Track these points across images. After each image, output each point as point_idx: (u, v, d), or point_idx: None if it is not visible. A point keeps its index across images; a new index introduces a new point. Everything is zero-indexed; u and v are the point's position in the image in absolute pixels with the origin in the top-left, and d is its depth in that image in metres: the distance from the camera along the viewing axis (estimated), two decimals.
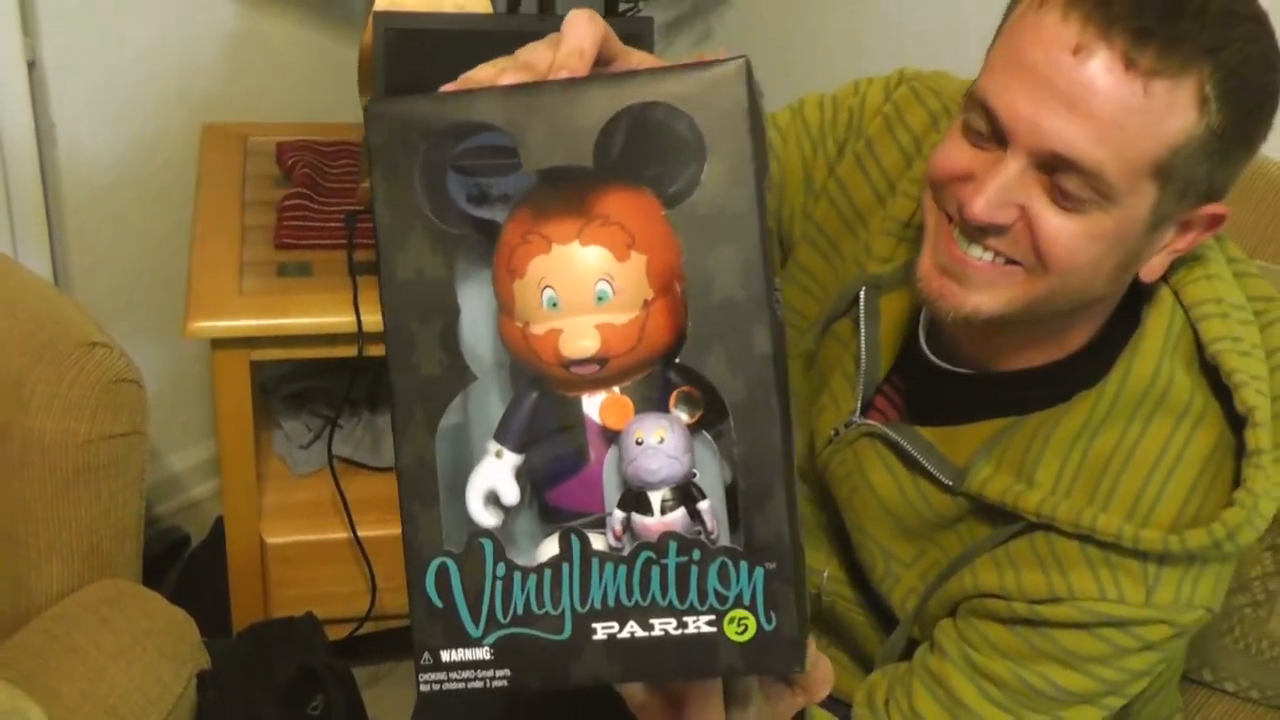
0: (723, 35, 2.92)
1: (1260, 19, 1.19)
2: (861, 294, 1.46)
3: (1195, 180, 1.19)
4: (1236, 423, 1.30)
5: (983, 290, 1.27)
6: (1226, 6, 1.16)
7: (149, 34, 2.67)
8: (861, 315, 1.46)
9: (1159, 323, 1.32)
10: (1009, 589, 1.35)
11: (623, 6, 2.85)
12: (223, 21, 2.75)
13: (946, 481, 1.38)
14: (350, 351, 2.22)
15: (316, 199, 2.43)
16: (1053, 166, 1.18)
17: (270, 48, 2.83)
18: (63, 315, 1.97)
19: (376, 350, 2.24)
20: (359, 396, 2.61)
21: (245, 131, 2.68)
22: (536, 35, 2.09)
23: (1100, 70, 1.14)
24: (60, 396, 1.89)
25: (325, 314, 2.21)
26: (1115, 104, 1.15)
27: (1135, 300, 1.35)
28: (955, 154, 1.26)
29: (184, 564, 2.71)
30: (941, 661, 1.42)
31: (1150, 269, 1.26)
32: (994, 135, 1.21)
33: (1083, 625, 1.32)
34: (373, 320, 2.18)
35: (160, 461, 2.96)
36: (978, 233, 1.24)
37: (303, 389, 2.63)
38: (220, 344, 2.20)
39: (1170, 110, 1.14)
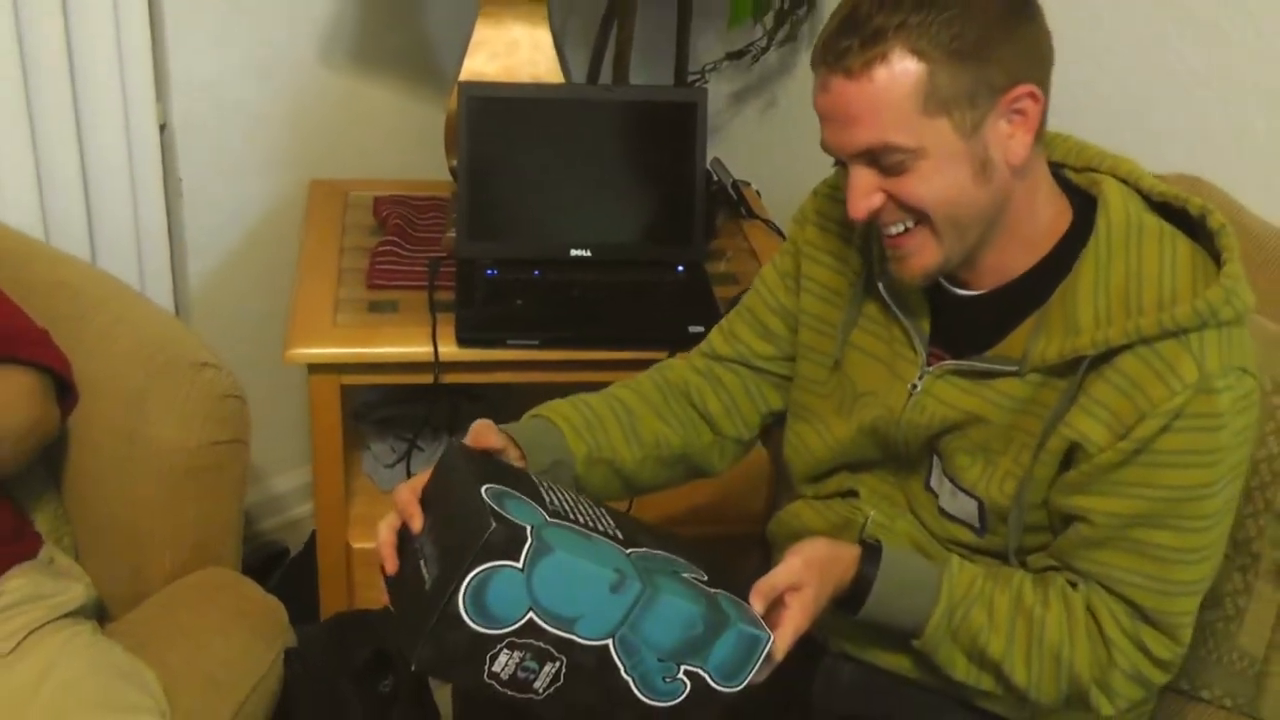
0: (786, 104, 2.96)
1: None
2: (881, 289, 1.65)
3: (970, 92, 1.41)
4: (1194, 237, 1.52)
5: (916, 254, 1.50)
6: None
7: (264, 101, 2.79)
8: (890, 300, 1.64)
9: (1112, 189, 1.52)
10: (1104, 435, 1.46)
11: (690, 76, 2.92)
12: (330, 90, 2.85)
13: (1013, 369, 1.53)
14: (427, 378, 2.28)
15: (406, 246, 2.49)
16: (870, 157, 1.44)
17: (371, 113, 2.91)
18: (180, 340, 2.10)
19: (451, 377, 2.32)
20: (438, 422, 2.63)
21: (347, 187, 2.77)
22: (603, 104, 2.35)
23: (838, 88, 1.42)
24: (175, 408, 2.01)
25: (407, 345, 2.27)
26: (860, 100, 1.41)
27: (1085, 207, 1.55)
28: (840, 188, 1.55)
29: (283, 571, 2.79)
30: (1096, 547, 1.51)
31: (1013, 155, 1.46)
32: (840, 163, 1.50)
33: (1171, 428, 1.43)
34: (448, 351, 2.27)
35: (264, 483, 3.04)
36: (878, 222, 1.49)
37: (388, 415, 2.66)
38: (316, 369, 2.28)
39: (896, 76, 1.39)
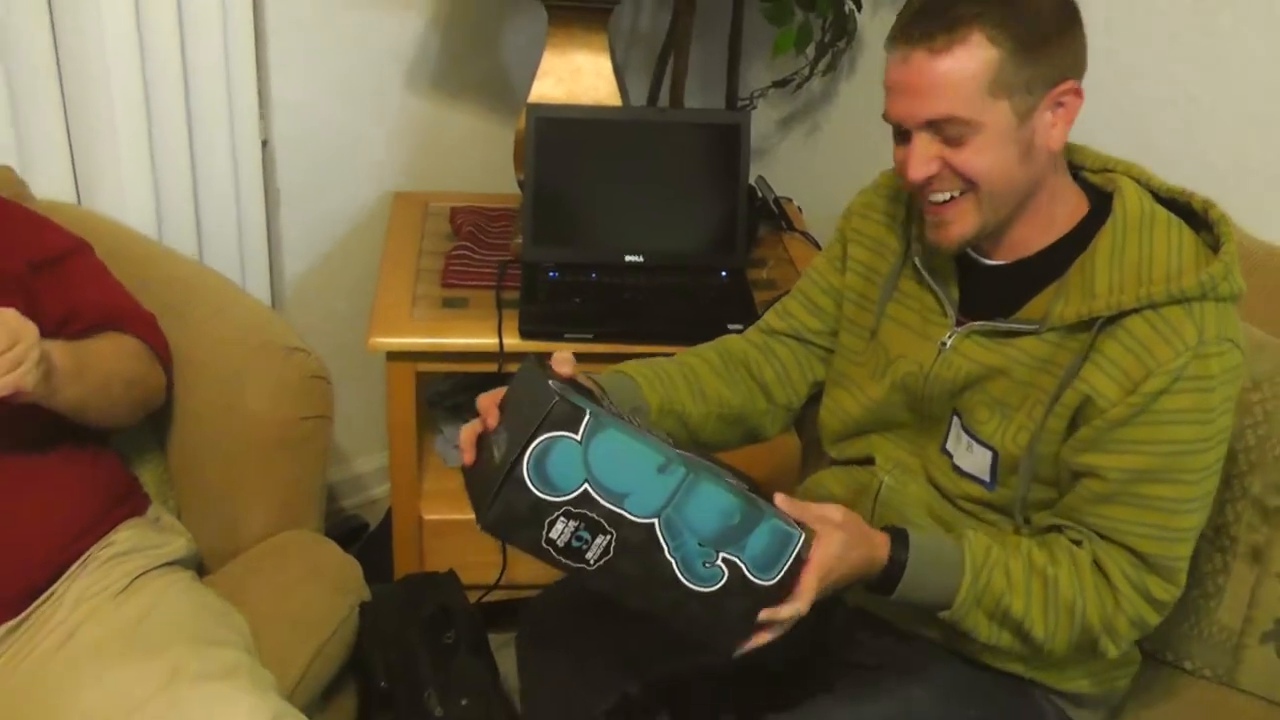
0: (827, 128, 2.97)
1: None
2: (916, 261, 1.74)
3: (1028, 81, 1.50)
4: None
5: (956, 222, 1.59)
6: None
7: (355, 120, 2.85)
8: (924, 272, 1.73)
9: (1128, 185, 1.62)
10: (1114, 391, 1.53)
11: (740, 101, 2.93)
12: (413, 112, 2.90)
13: (1034, 328, 1.60)
14: (492, 367, 2.34)
15: (477, 251, 2.56)
16: (935, 127, 1.53)
17: (448, 132, 2.95)
18: (274, 327, 2.18)
19: (514, 367, 2.34)
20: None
21: (426, 199, 2.84)
22: (656, 125, 2.42)
23: (918, 62, 1.51)
24: (268, 386, 2.09)
25: (475, 337, 2.33)
26: (937, 75, 1.51)
27: (1101, 201, 1.63)
28: (897, 156, 1.61)
29: (362, 544, 2.85)
30: (1105, 502, 1.57)
31: (1051, 141, 1.56)
32: (902, 133, 1.58)
33: (1172, 390, 1.50)
34: (511, 343, 2.32)
35: (347, 465, 3.11)
36: (928, 189, 1.58)
37: (458, 402, 2.69)
38: (394, 356, 2.34)
39: (971, 58, 1.49)
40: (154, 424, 2.18)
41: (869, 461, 1.81)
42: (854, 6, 2.68)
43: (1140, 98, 2.20)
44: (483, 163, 2.94)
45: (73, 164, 2.45)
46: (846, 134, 2.46)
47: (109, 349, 1.98)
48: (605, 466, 1.40)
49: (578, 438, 1.38)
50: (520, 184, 2.50)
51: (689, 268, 2.50)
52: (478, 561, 2.40)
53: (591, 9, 2.51)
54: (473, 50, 2.91)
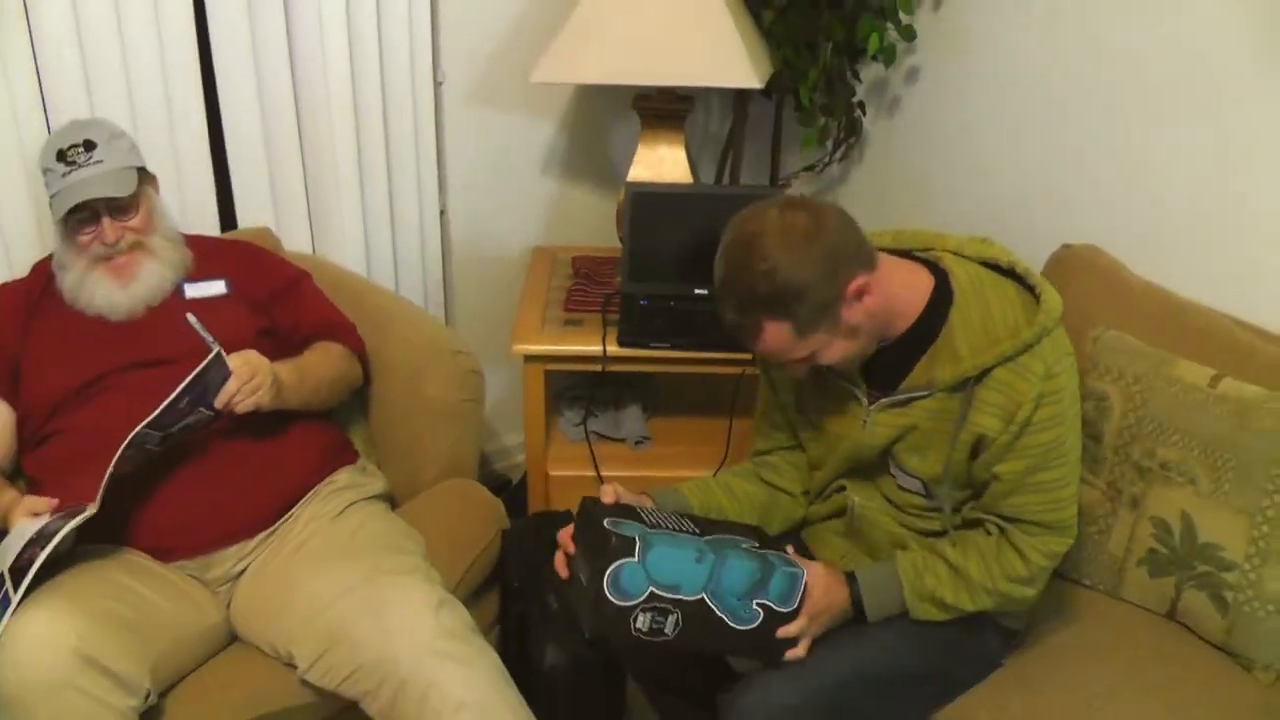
0: (845, 202, 2.86)
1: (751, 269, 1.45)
2: (828, 372, 1.67)
3: (820, 311, 1.47)
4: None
5: (844, 365, 1.58)
6: (737, 306, 1.49)
7: (506, 194, 2.86)
8: (839, 376, 1.67)
9: (949, 259, 1.58)
10: (998, 424, 1.51)
11: (780, 180, 2.90)
12: (547, 188, 2.89)
13: (926, 393, 1.57)
14: (598, 368, 2.37)
15: (590, 286, 2.58)
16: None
17: (571, 203, 2.95)
18: (446, 338, 2.21)
19: (613, 368, 2.36)
20: (606, 398, 2.67)
21: (555, 250, 2.85)
22: (716, 196, 2.38)
23: (754, 347, 1.52)
24: (440, 378, 2.14)
25: (586, 345, 2.35)
26: (765, 347, 1.52)
27: (939, 275, 1.57)
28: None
29: (507, 494, 2.83)
30: (1004, 494, 1.56)
31: (868, 310, 1.50)
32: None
33: (1038, 407, 1.49)
34: (612, 350, 2.33)
35: (497, 439, 3.10)
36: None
37: (574, 394, 2.70)
38: (529, 359, 2.36)
39: (773, 334, 1.49)
40: (361, 402, 2.23)
41: (841, 489, 1.77)
42: (860, 113, 2.66)
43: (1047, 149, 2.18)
44: (594, 224, 2.93)
45: (310, 224, 2.53)
46: (855, 206, 2.44)
47: (319, 359, 2.04)
48: (659, 571, 1.47)
49: (635, 559, 1.46)
50: (621, 239, 2.51)
51: None
52: None
53: (671, 116, 2.53)
54: (588, 145, 2.90)
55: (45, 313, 1.98)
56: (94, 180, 1.89)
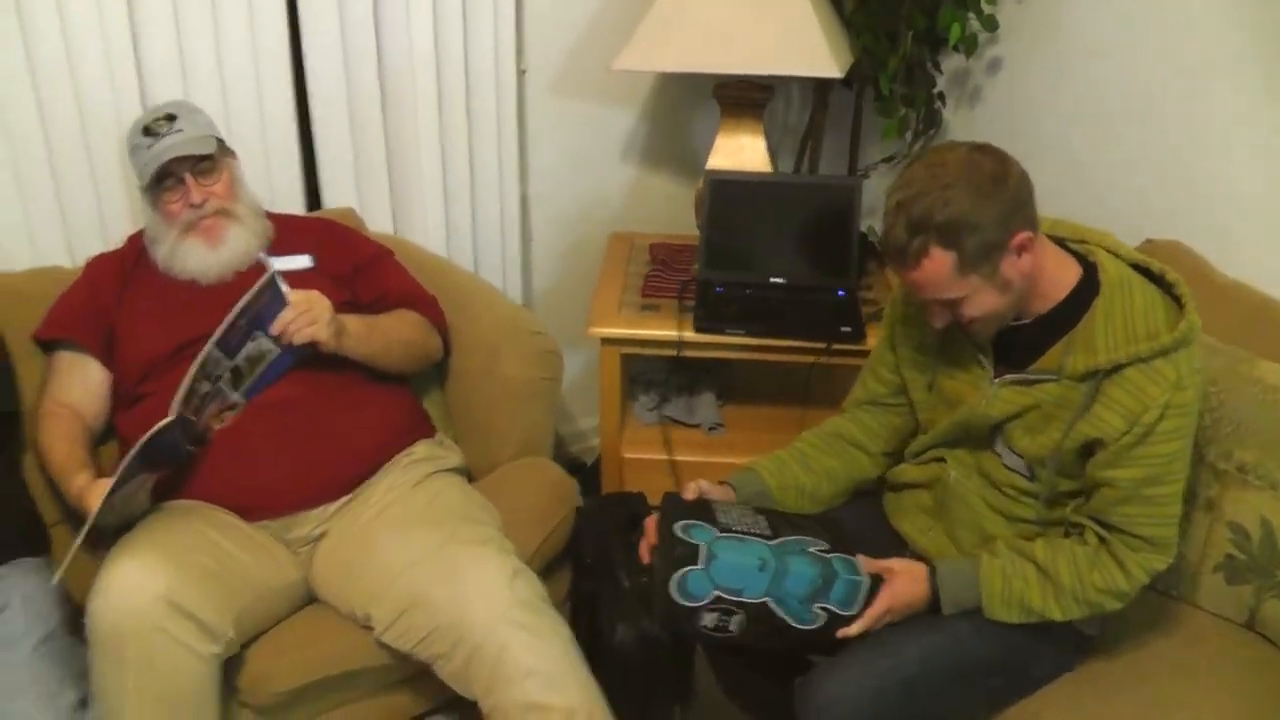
0: None
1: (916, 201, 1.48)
2: (961, 336, 1.68)
3: (983, 254, 1.48)
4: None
5: (980, 330, 1.60)
6: (909, 224, 1.49)
7: (586, 181, 2.92)
8: (969, 341, 1.67)
9: (1103, 256, 1.58)
10: (1121, 423, 1.50)
11: (858, 171, 2.90)
12: (626, 176, 2.95)
13: (1053, 377, 1.57)
14: (673, 353, 2.39)
15: (667, 273, 2.62)
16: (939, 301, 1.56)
17: (649, 190, 2.98)
18: (524, 319, 2.27)
19: (689, 353, 2.39)
20: (680, 384, 2.72)
21: (633, 237, 2.89)
22: (795, 185, 2.38)
23: (905, 275, 1.54)
24: (517, 357, 2.18)
25: (662, 330, 2.38)
26: (917, 279, 1.53)
27: (1087, 268, 1.58)
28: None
29: (582, 475, 2.73)
30: (1115, 502, 1.55)
31: (1021, 270, 1.51)
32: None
33: (1164, 417, 1.49)
34: (688, 336, 2.35)
35: (573, 422, 3.14)
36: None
37: (650, 379, 2.75)
38: (606, 341, 2.40)
39: (933, 265, 1.50)
40: (439, 378, 2.29)
41: (940, 460, 1.77)
42: (940, 104, 2.66)
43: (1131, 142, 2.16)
44: (672, 211, 2.96)
45: (392, 207, 2.60)
46: None
47: (393, 321, 2.12)
48: (723, 577, 1.54)
49: (701, 566, 1.53)
50: (699, 226, 2.53)
51: (815, 287, 2.48)
52: (657, 488, 2.19)
53: (751, 105, 2.55)
54: (667, 133, 2.93)
55: (139, 281, 2.09)
56: (177, 144, 2.01)
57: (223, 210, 2.06)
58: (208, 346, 1.80)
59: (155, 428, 1.73)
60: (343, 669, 1.86)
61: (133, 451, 1.71)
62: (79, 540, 1.71)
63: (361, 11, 2.40)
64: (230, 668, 1.79)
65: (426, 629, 1.77)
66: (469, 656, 1.75)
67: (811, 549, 1.59)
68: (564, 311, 2.94)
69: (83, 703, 1.70)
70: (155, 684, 1.66)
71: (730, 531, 1.58)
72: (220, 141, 2.11)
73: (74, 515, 1.92)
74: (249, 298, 1.82)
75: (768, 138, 2.59)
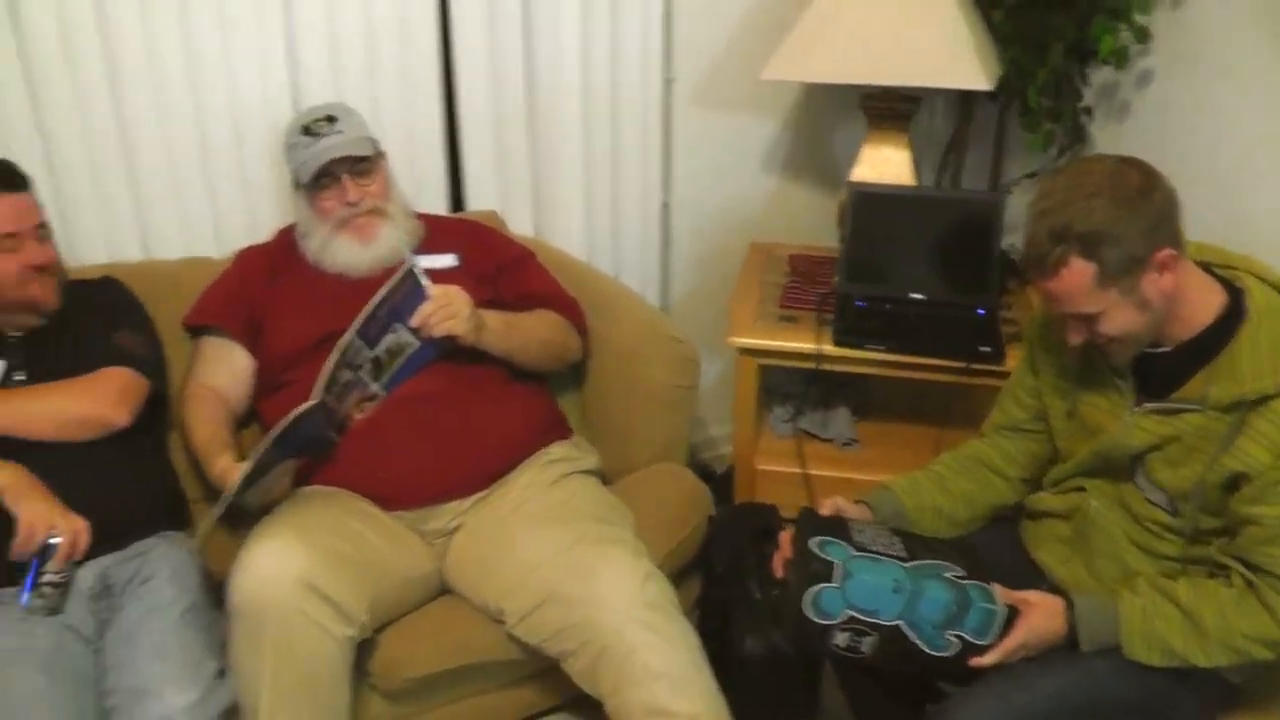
0: None
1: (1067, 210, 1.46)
2: (1100, 362, 1.66)
3: (1124, 269, 1.46)
4: None
5: (1117, 353, 1.59)
6: (1051, 232, 1.47)
7: (727, 190, 2.91)
8: (1108, 368, 1.65)
9: (1252, 282, 1.54)
10: (1267, 456, 1.45)
11: (1000, 186, 2.84)
12: (767, 185, 2.95)
13: (1196, 407, 1.53)
14: (811, 365, 2.37)
15: (806, 285, 2.60)
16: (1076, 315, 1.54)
17: (790, 200, 2.95)
18: (663, 324, 2.29)
19: (827, 366, 2.37)
20: (816, 397, 2.70)
21: (772, 248, 2.87)
22: (937, 199, 2.33)
23: (1043, 285, 1.52)
24: (657, 362, 2.21)
25: (801, 343, 2.36)
26: (1056, 291, 1.51)
27: (1232, 294, 1.53)
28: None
29: (713, 485, 2.68)
30: (1261, 541, 1.50)
31: (1163, 289, 1.49)
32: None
33: None
34: (826, 349, 2.34)
35: (705, 429, 3.14)
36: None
37: (786, 391, 2.73)
38: (744, 352, 2.40)
39: (1073, 276, 1.48)
40: (577, 381, 2.33)
41: (1080, 489, 1.74)
42: (1086, 118, 2.61)
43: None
44: (812, 222, 2.95)
45: (534, 210, 2.65)
46: None
47: (533, 320, 2.16)
48: (857, 597, 1.54)
49: (835, 584, 1.53)
50: (840, 238, 2.52)
51: (955, 304, 2.45)
52: (789, 500, 2.36)
53: (897, 116, 2.54)
54: (810, 143, 2.92)
55: (288, 272, 2.19)
56: (337, 145, 2.11)
57: (376, 209, 2.14)
58: (348, 334, 1.87)
59: (297, 410, 1.79)
60: (473, 660, 1.90)
61: (274, 432, 1.77)
62: (216, 513, 1.79)
63: (511, 19, 2.46)
64: (363, 651, 1.84)
65: (557, 625, 1.80)
66: (597, 655, 1.77)
67: (947, 574, 1.58)
68: (700, 319, 2.96)
69: (221, 673, 1.77)
70: (292, 662, 1.73)
71: (866, 551, 1.58)
72: (376, 143, 2.18)
73: (215, 494, 1.99)
74: (389, 288, 1.88)
75: (912, 150, 2.57)
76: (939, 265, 2.48)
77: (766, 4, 2.73)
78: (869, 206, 2.45)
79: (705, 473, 3.01)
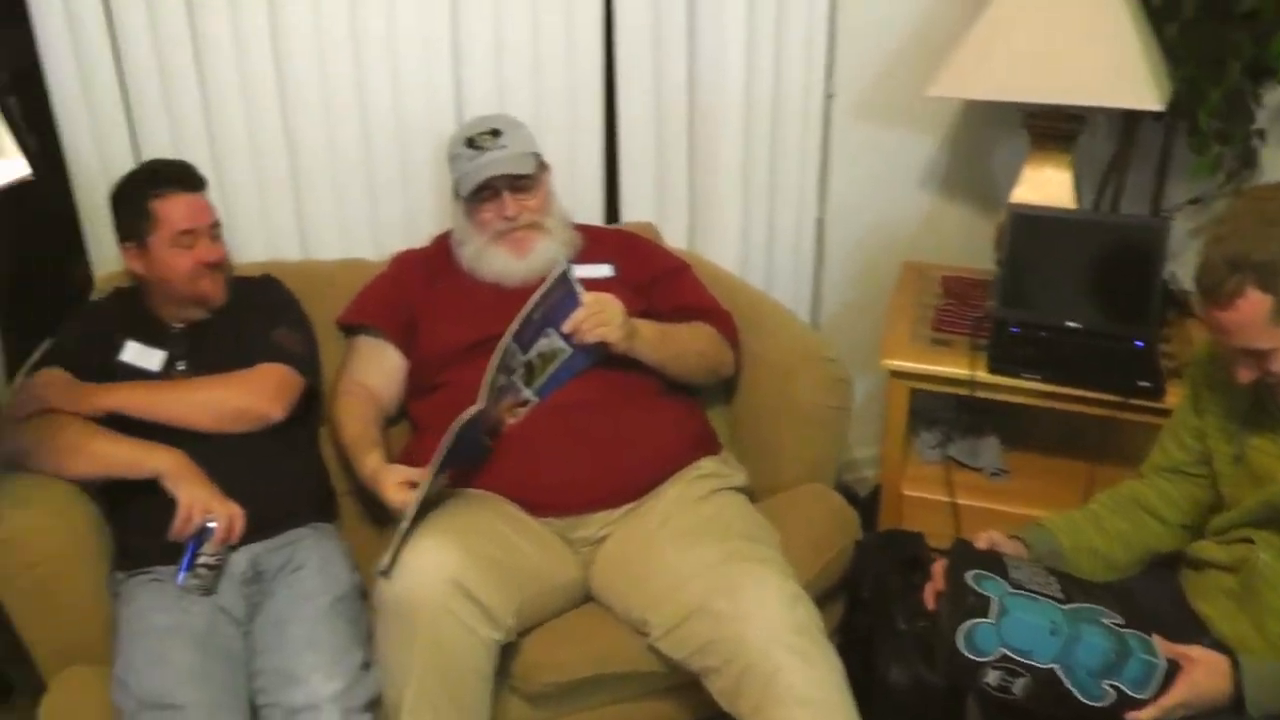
0: None
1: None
2: (1270, 405, 1.62)
3: None
4: None
5: None
6: (1226, 260, 1.44)
7: (882, 207, 2.90)
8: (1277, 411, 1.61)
9: None
10: None
11: (1162, 212, 2.78)
12: (922, 203, 2.91)
13: None
14: (964, 391, 2.35)
15: (960, 308, 2.58)
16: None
17: (944, 220, 2.94)
18: (817, 343, 2.27)
19: (981, 394, 2.35)
20: (967, 424, 2.65)
21: (924, 269, 2.85)
22: (1099, 224, 2.28)
23: (1215, 315, 1.49)
24: (810, 382, 2.19)
25: (955, 368, 2.35)
26: (1229, 322, 1.48)
27: None
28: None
29: (857, 507, 2.61)
30: None
31: None
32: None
33: None
34: (981, 376, 2.31)
35: (849, 450, 3.10)
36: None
37: (934, 416, 2.70)
38: (896, 375, 2.39)
39: (1249, 307, 1.45)
40: (726, 396, 2.33)
41: (1247, 540, 1.66)
42: (1259, 142, 2.53)
43: None
44: (966, 243, 2.92)
45: (689, 223, 2.68)
46: None
47: (687, 331, 2.18)
48: (1013, 636, 1.51)
49: (990, 620, 1.51)
50: (996, 261, 2.49)
51: (1113, 335, 2.39)
52: (936, 528, 2.38)
53: (1061, 136, 2.50)
54: (968, 162, 2.90)
55: (444, 278, 2.25)
56: (500, 161, 2.16)
57: (534, 224, 2.19)
58: (505, 338, 1.90)
59: (464, 417, 1.81)
60: (614, 669, 1.92)
61: (444, 445, 1.80)
62: (403, 529, 1.81)
63: (676, 31, 2.49)
64: (505, 653, 1.87)
65: (702, 640, 1.80)
66: (741, 674, 1.76)
67: (1105, 620, 1.54)
68: (849, 337, 2.95)
69: (366, 665, 1.82)
70: (439, 661, 1.76)
71: (1022, 589, 1.55)
72: (538, 157, 2.23)
73: (362, 489, 2.07)
74: (543, 292, 1.91)
75: (1074, 171, 2.53)
76: (1097, 293, 2.44)
77: (931, 19, 2.72)
78: (1028, 229, 2.41)
79: (848, 495, 2.95)
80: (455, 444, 1.81)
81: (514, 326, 1.91)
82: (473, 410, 1.83)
